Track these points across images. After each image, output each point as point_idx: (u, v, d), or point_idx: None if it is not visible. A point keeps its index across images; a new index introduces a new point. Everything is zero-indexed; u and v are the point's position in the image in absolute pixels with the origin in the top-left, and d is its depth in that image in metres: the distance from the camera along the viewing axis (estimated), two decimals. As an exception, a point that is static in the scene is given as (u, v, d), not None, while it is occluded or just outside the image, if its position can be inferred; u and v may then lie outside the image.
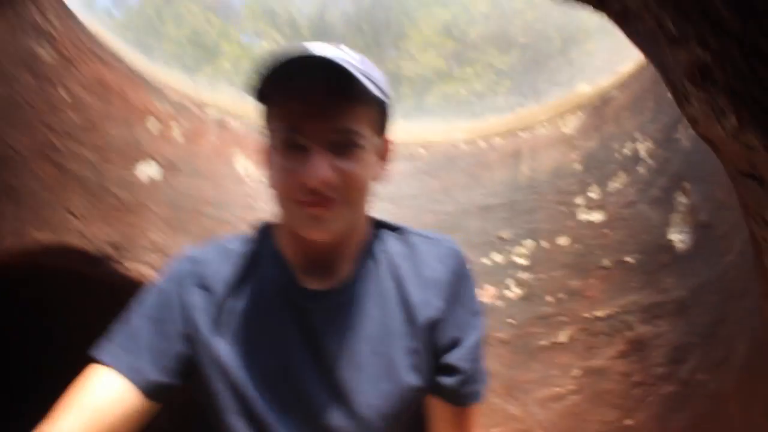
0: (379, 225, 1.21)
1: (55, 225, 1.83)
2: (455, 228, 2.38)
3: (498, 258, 2.31)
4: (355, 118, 1.05)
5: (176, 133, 2.17)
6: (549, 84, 2.91)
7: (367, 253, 1.17)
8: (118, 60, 2.11)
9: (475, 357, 1.16)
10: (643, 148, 2.12)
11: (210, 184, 2.19)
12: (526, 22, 7.29)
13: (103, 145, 1.98)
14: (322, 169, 1.03)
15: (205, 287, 1.15)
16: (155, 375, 1.09)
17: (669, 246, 1.92)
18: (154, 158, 2.09)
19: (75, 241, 1.87)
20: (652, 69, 2.17)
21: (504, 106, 2.77)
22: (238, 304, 1.14)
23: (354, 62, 1.03)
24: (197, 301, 1.13)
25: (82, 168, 1.92)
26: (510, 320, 2.20)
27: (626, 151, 2.18)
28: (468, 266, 1.19)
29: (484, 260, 2.33)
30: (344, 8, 6.77)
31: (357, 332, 1.12)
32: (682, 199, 1.93)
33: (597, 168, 2.25)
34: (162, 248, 2.05)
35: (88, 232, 1.91)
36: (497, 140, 2.52)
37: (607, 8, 0.98)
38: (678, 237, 1.91)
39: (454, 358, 1.14)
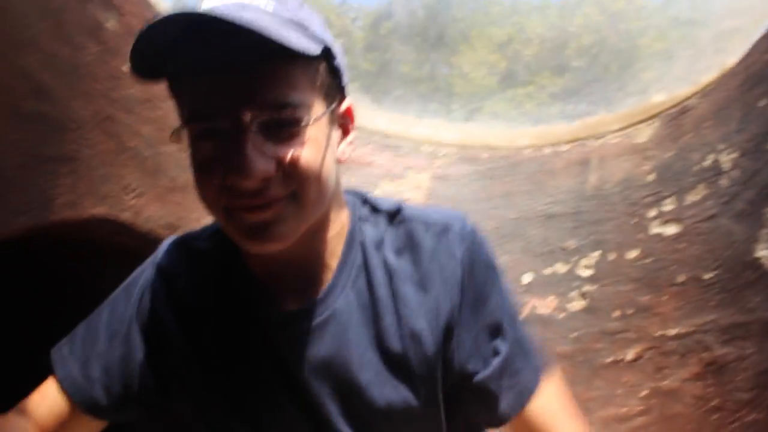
0: (366, 207, 0.97)
1: (111, 201, 1.76)
2: (515, 235, 2.27)
3: (560, 268, 2.19)
4: (287, 85, 0.77)
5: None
6: (623, 93, 2.80)
7: (349, 252, 0.94)
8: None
9: (512, 356, 0.94)
10: (726, 159, 1.99)
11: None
12: (582, 45, 7.19)
13: (162, 122, 1.91)
14: (253, 161, 0.76)
15: (174, 311, 0.98)
16: (105, 402, 0.98)
17: (756, 263, 1.78)
18: (211, 142, 2.02)
19: (129, 218, 1.81)
20: (739, 77, 2.05)
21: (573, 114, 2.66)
22: (209, 333, 0.96)
23: (267, 8, 0.79)
24: (166, 326, 0.98)
25: (140, 144, 1.86)
26: (572, 334, 2.07)
27: (707, 162, 2.05)
28: (485, 251, 0.95)
29: (546, 270, 2.20)
30: (399, 20, 6.76)
31: (337, 356, 0.91)
32: (773, 215, 1.80)
33: (673, 180, 2.12)
34: (214, 234, 1.98)
35: (143, 211, 1.84)
36: (564, 147, 2.41)
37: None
38: (767, 254, 1.77)
39: (485, 377, 0.92)
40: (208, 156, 0.80)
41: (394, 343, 0.90)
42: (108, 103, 1.78)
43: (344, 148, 0.90)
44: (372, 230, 0.96)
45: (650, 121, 2.29)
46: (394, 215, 0.96)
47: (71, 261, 1.95)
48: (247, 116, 0.76)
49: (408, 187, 2.23)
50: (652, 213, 2.11)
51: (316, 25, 0.83)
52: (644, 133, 2.28)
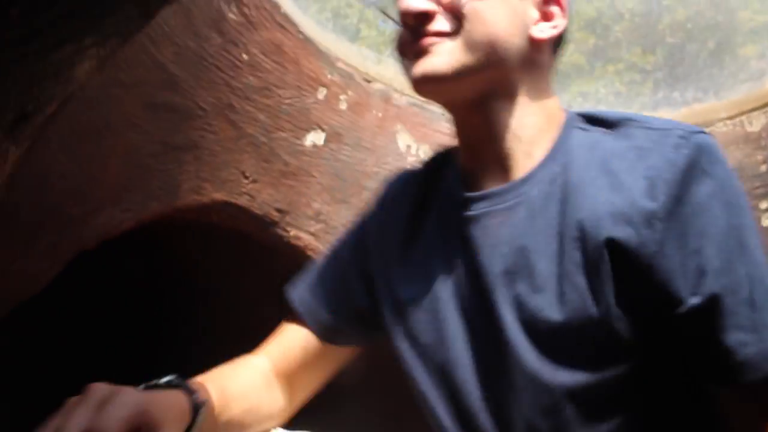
0: (588, 119, 0.95)
1: (230, 186, 1.85)
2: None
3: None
4: None
5: (343, 104, 2.16)
6: (733, 80, 2.72)
7: (559, 148, 0.91)
8: (293, 24, 2.11)
9: (741, 300, 0.80)
10: None
11: (373, 158, 2.17)
12: (676, 20, 6.93)
13: (276, 109, 1.99)
14: None
15: (386, 213, 1.08)
16: (331, 320, 1.07)
17: None
18: (321, 127, 2.08)
19: (246, 203, 1.90)
20: None
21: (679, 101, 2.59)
22: (418, 228, 1.01)
23: None
24: (378, 231, 1.07)
25: (256, 131, 1.93)
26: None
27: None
28: (718, 165, 0.83)
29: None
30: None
31: (523, 240, 0.88)
32: None
33: (787, 170, 2.06)
34: (324, 218, 2.05)
35: (258, 196, 1.93)
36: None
37: None
38: None
39: (693, 309, 0.79)
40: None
41: (576, 244, 0.84)
42: (229, 91, 1.86)
43: (543, 28, 0.93)
44: (584, 134, 0.92)
45: (764, 109, 2.22)
46: (618, 122, 0.91)
47: (194, 247, 2.06)
48: None
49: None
50: (765, 204, 2.06)
51: None
52: (757, 122, 2.21)
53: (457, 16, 0.87)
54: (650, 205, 0.81)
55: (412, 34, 0.89)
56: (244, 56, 1.90)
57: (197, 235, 2.10)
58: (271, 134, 1.97)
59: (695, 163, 0.81)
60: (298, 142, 2.03)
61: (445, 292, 0.95)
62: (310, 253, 2.00)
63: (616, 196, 0.83)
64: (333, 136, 2.10)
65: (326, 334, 1.09)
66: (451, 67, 0.87)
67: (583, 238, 0.83)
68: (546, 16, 0.95)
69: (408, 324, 0.98)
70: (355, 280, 1.08)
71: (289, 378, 1.10)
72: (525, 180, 0.91)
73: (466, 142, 0.98)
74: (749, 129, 2.23)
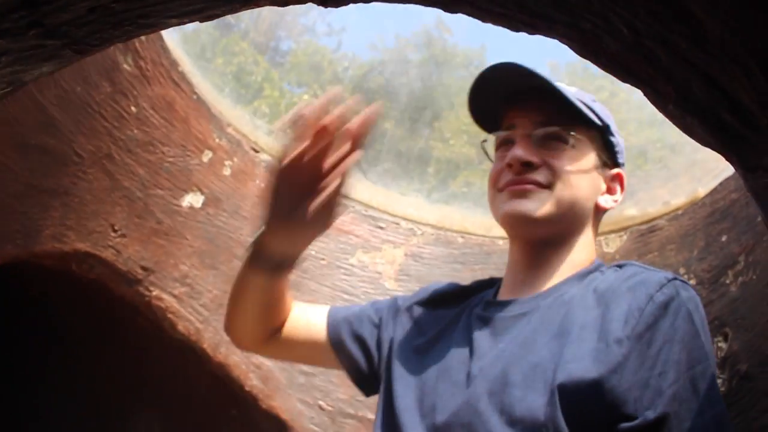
0: (603, 264, 1.16)
1: (96, 237, 1.79)
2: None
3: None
4: (560, 116, 1.12)
5: (227, 170, 2.16)
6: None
7: (573, 279, 1.09)
8: (188, 84, 2.11)
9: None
10: (686, 284, 2.10)
11: (248, 228, 2.16)
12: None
13: (157, 166, 1.96)
14: (520, 148, 1.10)
15: (423, 306, 1.29)
16: (347, 338, 1.34)
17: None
18: (201, 190, 2.06)
19: (110, 256, 1.83)
20: (706, 209, 2.18)
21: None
22: (439, 318, 1.22)
23: (571, 89, 1.16)
24: (406, 317, 1.29)
25: (133, 185, 1.89)
26: None
27: (668, 283, 2.16)
28: (688, 308, 0.96)
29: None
30: (389, 77, 6.90)
31: (516, 341, 1.03)
32: (721, 344, 1.90)
33: (634, 293, 2.22)
34: (190, 282, 2.01)
35: (124, 251, 1.87)
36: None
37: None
38: (712, 382, 1.87)
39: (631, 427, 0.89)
40: (502, 156, 1.13)
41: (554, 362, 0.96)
42: (111, 141, 1.82)
43: (607, 199, 1.17)
44: (600, 269, 1.12)
45: (620, 233, 2.40)
46: (623, 264, 1.11)
47: (50, 293, 1.96)
48: (534, 122, 1.12)
49: (382, 261, 2.29)
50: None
51: (602, 111, 1.16)
52: (613, 244, 2.39)
53: (553, 174, 1.10)
54: (623, 329, 0.94)
55: (514, 176, 1.11)
56: (133, 108, 1.88)
57: (59, 282, 2.00)
58: (148, 190, 1.93)
59: (673, 303, 0.96)
60: (175, 201, 1.99)
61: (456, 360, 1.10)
62: (170, 315, 1.95)
63: (604, 325, 0.96)
64: (212, 201, 2.09)
65: (335, 340, 1.36)
66: (542, 213, 1.10)
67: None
68: (610, 190, 1.20)
69: (414, 382, 1.14)
70: (371, 328, 1.34)
71: (285, 335, 1.38)
72: (536, 297, 1.09)
73: (516, 269, 1.18)
74: (606, 249, 2.40)
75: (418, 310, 1.30)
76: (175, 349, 2.02)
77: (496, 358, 1.02)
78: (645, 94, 0.73)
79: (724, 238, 2.04)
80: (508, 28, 0.70)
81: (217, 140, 2.14)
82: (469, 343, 1.10)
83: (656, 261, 2.25)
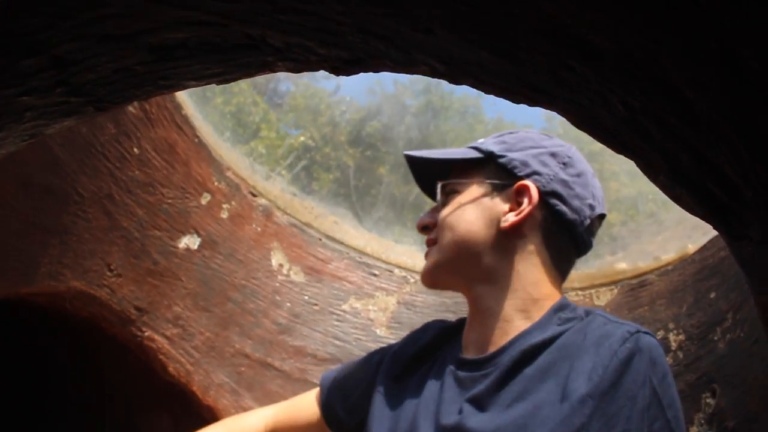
0: (566, 308, 1.12)
1: (92, 276, 1.80)
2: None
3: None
4: (452, 174, 1.21)
5: (225, 213, 2.18)
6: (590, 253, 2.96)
7: (529, 333, 1.07)
8: (191, 127, 2.15)
9: None
10: (674, 339, 2.13)
11: (243, 271, 2.18)
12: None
13: (156, 207, 1.98)
14: (426, 213, 1.23)
15: (396, 354, 1.28)
16: (337, 409, 1.30)
17: (689, 445, 1.89)
18: (198, 232, 2.09)
19: (104, 295, 1.84)
20: (695, 265, 2.21)
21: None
22: (414, 372, 1.21)
23: (477, 143, 1.25)
24: (387, 366, 1.27)
25: (131, 225, 1.91)
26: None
27: (657, 337, 2.18)
28: (654, 364, 0.96)
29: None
30: (386, 123, 6.99)
31: (486, 404, 1.03)
32: (709, 401, 1.92)
33: (623, 347, 2.24)
34: (182, 324, 2.02)
35: (119, 290, 1.88)
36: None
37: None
38: (700, 439, 1.88)
39: None
40: None
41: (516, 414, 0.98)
42: (112, 181, 1.84)
43: (507, 217, 1.14)
44: (559, 329, 1.06)
45: (611, 287, 2.43)
46: (588, 313, 1.10)
47: (42, 329, 1.96)
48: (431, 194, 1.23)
49: (375, 308, 2.31)
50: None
51: (491, 142, 1.22)
52: (604, 297, 2.41)
53: (437, 227, 1.18)
54: (586, 386, 0.94)
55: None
56: (135, 150, 1.91)
57: (52, 319, 2.01)
58: (146, 231, 1.96)
59: (635, 358, 0.95)
60: (172, 243, 2.02)
61: (425, 412, 1.11)
62: (161, 357, 1.95)
63: (568, 384, 0.97)
64: (208, 243, 2.11)
65: (328, 416, 1.31)
66: (430, 265, 1.19)
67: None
68: (514, 207, 1.16)
69: (388, 425, 1.16)
70: (361, 388, 1.30)
71: (280, 422, 1.36)
72: (492, 356, 1.08)
73: (470, 323, 1.19)
74: (596, 302, 2.43)
75: (397, 362, 1.29)
76: (165, 390, 2.02)
77: (462, 423, 1.03)
78: (637, 165, 0.77)
79: (712, 295, 2.07)
80: (509, 100, 0.73)
81: (216, 183, 2.17)
82: (438, 400, 1.11)
83: (646, 315, 2.27)
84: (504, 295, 1.12)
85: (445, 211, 1.18)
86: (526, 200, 1.15)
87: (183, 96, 2.14)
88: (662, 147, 0.70)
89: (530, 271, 1.14)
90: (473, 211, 1.16)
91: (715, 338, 1.99)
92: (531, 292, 1.12)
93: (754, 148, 0.67)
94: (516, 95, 0.72)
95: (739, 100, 0.64)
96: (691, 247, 2.28)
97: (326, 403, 1.33)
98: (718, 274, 2.08)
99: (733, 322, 1.93)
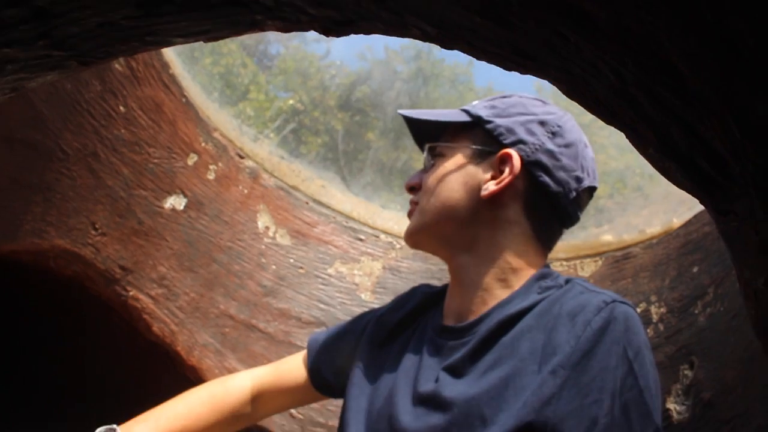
0: (547, 277, 1.12)
1: (76, 235, 1.79)
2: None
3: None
4: (442, 137, 1.22)
5: (211, 174, 2.17)
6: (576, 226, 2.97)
7: (515, 298, 1.08)
8: (178, 87, 2.12)
9: None
10: (656, 311, 2.15)
11: (229, 233, 2.17)
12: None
13: (142, 167, 1.96)
14: (414, 174, 1.25)
15: (381, 319, 1.32)
16: (323, 370, 1.34)
17: (665, 413, 1.92)
18: (184, 193, 2.07)
19: (89, 254, 1.83)
20: (679, 240, 2.23)
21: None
22: (397, 337, 1.25)
23: (469, 105, 1.24)
24: (369, 330, 1.31)
25: (116, 184, 1.90)
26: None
27: (639, 310, 2.20)
28: (628, 333, 0.96)
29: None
30: (376, 88, 6.94)
31: (462, 372, 1.04)
32: (687, 372, 1.95)
33: (605, 318, 2.26)
34: (167, 284, 2.01)
35: (103, 249, 1.87)
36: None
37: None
38: (677, 407, 1.91)
39: None
40: None
41: (492, 379, 0.99)
42: (97, 139, 1.82)
43: (488, 185, 1.13)
44: (538, 297, 1.07)
45: (596, 258, 2.45)
46: (565, 282, 1.10)
47: (26, 287, 1.95)
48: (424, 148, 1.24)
49: (360, 273, 2.31)
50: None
51: (480, 107, 1.20)
52: (588, 268, 2.43)
53: (421, 190, 1.20)
54: (560, 356, 0.94)
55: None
56: (121, 108, 1.88)
57: (35, 277, 2.00)
58: (131, 190, 1.94)
59: (610, 327, 0.95)
60: (157, 203, 2.00)
61: (404, 379, 1.13)
62: (146, 316, 1.95)
63: (544, 356, 0.97)
64: (194, 204, 2.09)
65: (315, 379, 1.35)
66: (411, 227, 1.21)
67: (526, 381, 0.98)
68: (496, 175, 1.15)
69: (368, 392, 1.19)
70: (347, 350, 1.33)
71: (264, 393, 1.37)
72: (474, 322, 1.09)
73: (451, 290, 1.21)
74: (581, 273, 2.44)
75: (383, 326, 1.33)
76: (149, 350, 2.02)
77: (437, 391, 1.05)
78: (627, 137, 0.77)
79: (695, 270, 2.09)
80: (501, 66, 0.73)
81: (203, 144, 2.15)
82: (417, 367, 1.13)
83: (629, 287, 2.29)
84: (484, 264, 1.12)
85: (429, 175, 1.19)
86: (507, 169, 1.13)
87: (171, 55, 2.11)
88: (653, 120, 0.70)
89: (511, 240, 1.13)
90: (456, 177, 1.16)
91: (696, 312, 2.01)
92: (511, 262, 1.12)
93: (744, 124, 0.67)
94: (507, 62, 0.71)
95: (732, 76, 0.63)
96: (676, 222, 2.29)
97: (313, 365, 1.36)
98: (702, 249, 2.10)
99: (714, 296, 1.95)
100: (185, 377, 2.02)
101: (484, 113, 1.20)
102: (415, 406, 1.07)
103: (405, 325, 1.27)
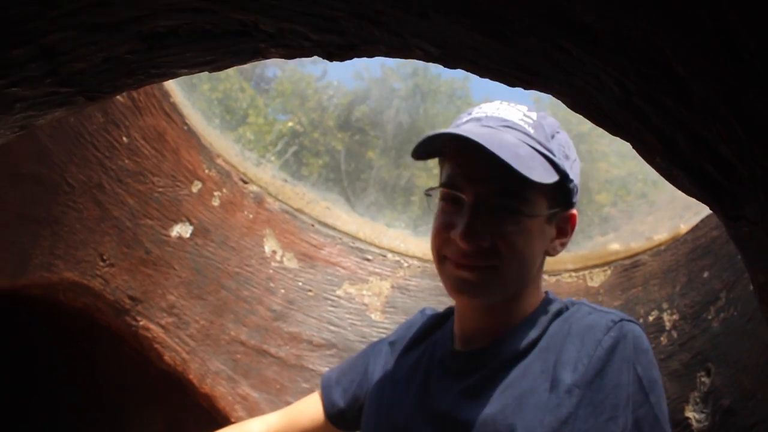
0: (553, 302, 1.13)
1: (85, 267, 1.80)
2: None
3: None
4: (523, 184, 0.99)
5: (216, 201, 2.17)
6: (581, 234, 2.97)
7: (523, 328, 1.08)
8: (179, 115, 2.13)
9: None
10: (668, 319, 2.14)
11: (236, 258, 2.17)
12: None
13: (147, 196, 1.97)
14: (475, 229, 0.99)
15: (392, 345, 1.31)
16: (341, 404, 1.32)
17: (685, 422, 1.90)
18: (190, 221, 2.08)
19: (98, 286, 1.83)
20: (688, 245, 2.22)
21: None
22: (406, 360, 1.22)
23: (528, 130, 1.05)
24: (383, 354, 1.30)
25: (123, 214, 1.90)
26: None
27: (651, 317, 2.19)
28: (637, 351, 0.99)
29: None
30: (374, 107, 6.96)
31: (478, 394, 1.04)
32: (704, 379, 1.93)
33: (616, 327, 2.25)
34: (177, 312, 2.01)
35: (112, 281, 1.87)
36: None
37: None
38: (695, 416, 1.89)
39: None
40: (448, 215, 1.04)
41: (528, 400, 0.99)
42: (102, 171, 1.83)
43: (556, 246, 1.10)
44: (550, 312, 1.09)
45: (604, 268, 2.44)
46: (574, 304, 1.10)
47: (36, 321, 1.95)
48: (483, 192, 0.99)
49: (369, 293, 2.31)
50: (594, 356, 2.23)
51: (561, 155, 1.05)
52: (597, 278, 2.42)
53: (500, 254, 1.06)
54: (573, 376, 0.96)
55: (460, 257, 1.09)
56: (124, 139, 1.89)
57: (45, 311, 2.00)
58: (138, 220, 1.95)
59: (620, 346, 0.98)
60: (164, 231, 2.01)
61: (417, 399, 1.14)
62: (157, 346, 1.95)
63: (555, 374, 0.99)
64: (200, 231, 2.10)
65: (332, 414, 1.33)
66: (488, 298, 1.12)
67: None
68: (560, 233, 1.12)
69: (382, 411, 1.19)
70: (359, 378, 1.34)
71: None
72: (490, 347, 1.09)
73: (466, 321, 1.16)
74: (590, 283, 2.44)
75: (393, 350, 1.33)
76: (161, 379, 2.02)
77: (454, 412, 1.06)
78: (633, 147, 0.77)
79: (705, 275, 2.08)
80: (504, 83, 0.73)
81: (206, 171, 2.15)
82: (431, 387, 1.14)
83: (640, 296, 2.28)
84: (518, 307, 1.13)
85: (513, 238, 1.03)
86: (569, 228, 1.14)
87: (171, 84, 2.13)
88: (658, 128, 0.70)
89: (539, 283, 1.18)
90: (539, 239, 1.08)
91: (709, 317, 2.00)
92: (533, 297, 1.15)
93: (750, 128, 0.67)
94: (510, 78, 0.71)
95: (735, 80, 0.64)
96: (683, 227, 2.29)
97: (328, 400, 1.36)
98: (711, 254, 2.09)
99: (726, 301, 1.94)
100: (199, 405, 2.02)
101: (566, 165, 1.09)
102: (431, 425, 1.07)
103: (415, 346, 1.28)
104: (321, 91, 7.76)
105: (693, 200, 0.84)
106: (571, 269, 2.49)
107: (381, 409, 1.20)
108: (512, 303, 1.11)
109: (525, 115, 1.09)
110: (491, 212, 1.01)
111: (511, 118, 1.07)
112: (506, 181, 1.00)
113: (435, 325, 1.29)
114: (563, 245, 1.13)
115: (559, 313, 1.10)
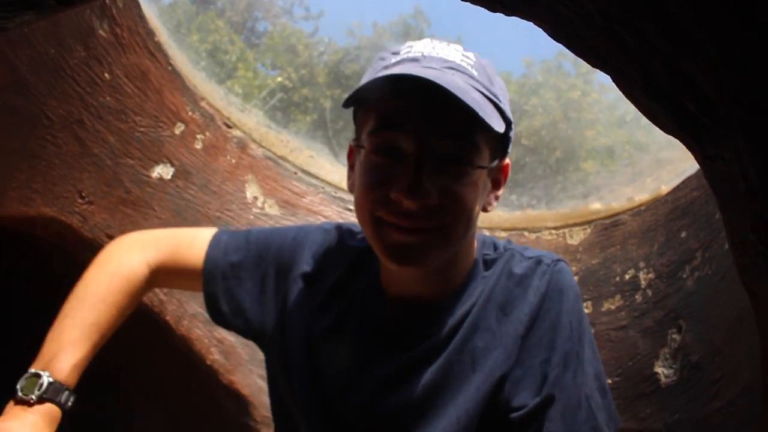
0: (489, 250, 1.07)
1: (63, 203, 1.78)
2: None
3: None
4: (474, 133, 0.88)
5: (199, 144, 2.15)
6: (563, 194, 2.97)
7: (465, 284, 1.03)
8: (164, 55, 2.10)
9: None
10: (644, 277, 2.16)
11: (217, 202, 2.16)
12: (533, 126, 7.49)
13: (128, 135, 1.95)
14: (423, 187, 0.86)
15: (310, 280, 1.13)
16: (225, 308, 1.18)
17: (653, 377, 1.94)
18: (171, 162, 2.06)
19: (76, 223, 1.82)
20: (667, 206, 2.24)
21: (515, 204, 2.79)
22: (328, 316, 1.09)
23: (473, 73, 0.93)
24: (295, 289, 1.12)
25: (103, 152, 1.88)
26: None
27: (627, 276, 2.22)
28: (570, 290, 0.99)
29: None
30: (364, 65, 6.90)
31: (417, 366, 1.01)
32: (675, 336, 1.96)
33: (594, 286, 2.28)
34: (156, 252, 2.00)
35: (91, 218, 1.86)
36: (501, 234, 2.55)
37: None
38: (664, 371, 1.93)
39: (520, 415, 0.92)
40: (380, 169, 0.89)
41: (465, 369, 0.99)
42: (83, 106, 1.81)
43: (491, 200, 1.02)
44: (485, 263, 1.05)
45: (584, 226, 2.45)
46: (505, 251, 1.05)
47: (10, 256, 1.94)
48: (433, 144, 0.86)
49: (350, 242, 2.31)
50: (570, 312, 2.25)
51: (505, 101, 0.96)
52: (577, 236, 2.44)
53: (446, 213, 0.95)
54: (520, 328, 0.98)
55: (401, 218, 0.98)
56: (106, 75, 1.86)
57: (21, 245, 1.98)
58: (118, 159, 1.93)
59: (553, 287, 0.98)
60: (145, 172, 1.99)
61: (357, 361, 1.06)
62: (133, 285, 1.94)
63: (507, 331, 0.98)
64: (182, 173, 2.08)
65: (211, 307, 1.20)
66: (435, 262, 1.01)
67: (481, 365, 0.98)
68: (496, 184, 1.03)
69: (313, 367, 1.08)
70: (249, 286, 1.17)
71: (162, 274, 1.23)
72: (436, 312, 1.03)
73: (394, 283, 1.06)
74: (569, 241, 2.45)
75: (308, 288, 1.14)
76: (137, 320, 2.02)
77: (398, 384, 1.03)
78: (613, 80, 0.76)
79: (683, 234, 2.10)
80: (485, 8, 0.72)
81: (190, 113, 2.13)
82: (372, 350, 1.06)
83: (618, 254, 2.30)
84: (454, 265, 1.04)
85: (461, 195, 0.91)
86: (502, 179, 1.04)
87: (156, 22, 2.09)
88: (638, 59, 0.70)
89: (474, 238, 1.08)
90: (480, 196, 0.96)
91: (684, 276, 2.02)
92: (470, 253, 1.06)
93: (731, 60, 0.67)
94: (493, 3, 0.70)
95: (720, 10, 0.63)
96: (665, 189, 2.30)
97: (210, 291, 1.18)
98: (690, 214, 2.11)
99: (702, 260, 1.96)
100: (175, 347, 2.02)
101: (509, 114, 0.99)
102: (375, 388, 1.04)
103: (338, 293, 1.11)
104: (312, 47, 7.68)
105: (676, 164, 0.83)
106: (551, 227, 2.50)
107: (303, 376, 1.07)
108: (451, 264, 1.01)
109: (464, 55, 0.97)
110: (438, 165, 0.88)
111: (453, 59, 0.94)
112: (460, 129, 0.88)
113: (355, 269, 1.12)
114: (497, 199, 1.03)
115: (493, 262, 1.05)
